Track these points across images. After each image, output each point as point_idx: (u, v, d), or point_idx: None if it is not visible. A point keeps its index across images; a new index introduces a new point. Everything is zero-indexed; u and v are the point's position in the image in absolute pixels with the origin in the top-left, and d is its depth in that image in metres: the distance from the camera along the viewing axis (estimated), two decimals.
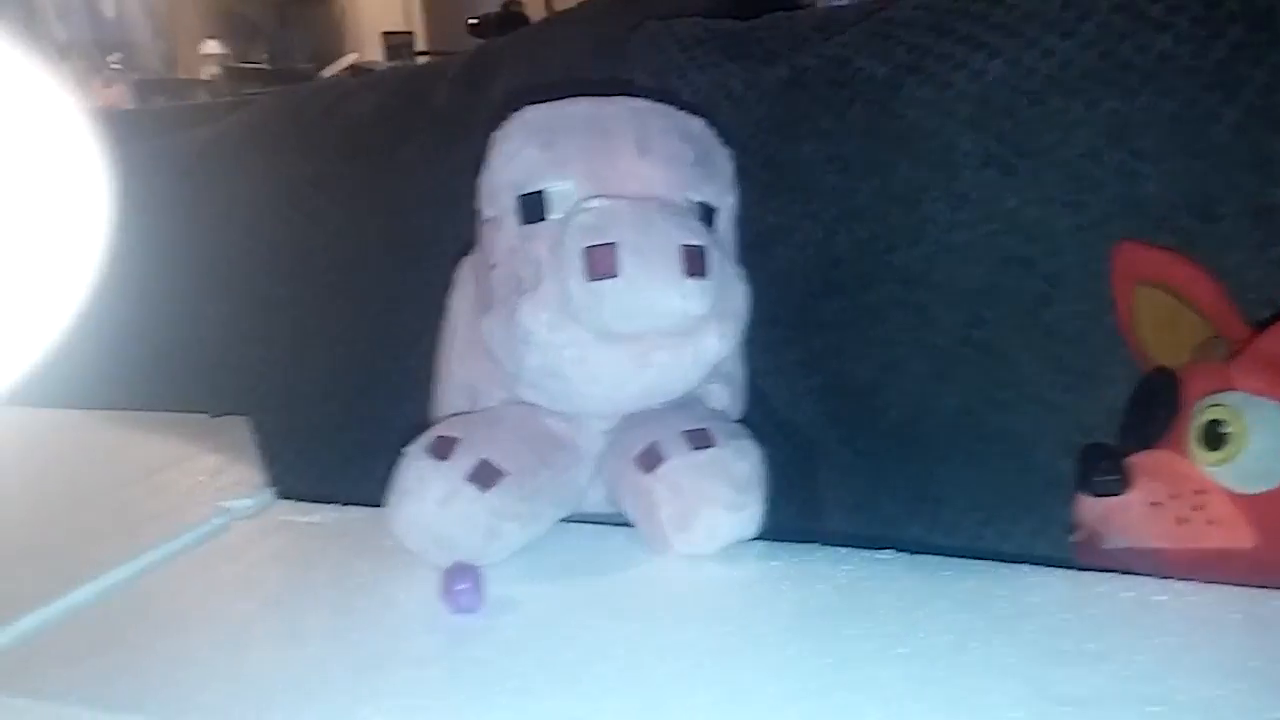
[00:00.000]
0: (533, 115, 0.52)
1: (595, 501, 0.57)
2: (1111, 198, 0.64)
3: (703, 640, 0.46)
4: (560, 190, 0.50)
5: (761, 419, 0.87)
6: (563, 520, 0.58)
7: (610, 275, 0.46)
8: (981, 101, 0.68)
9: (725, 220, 0.54)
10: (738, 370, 0.60)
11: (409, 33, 4.15)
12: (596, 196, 0.49)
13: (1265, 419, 0.48)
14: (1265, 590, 0.47)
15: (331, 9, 4.81)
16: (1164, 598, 0.47)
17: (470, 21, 3.26)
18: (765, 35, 0.84)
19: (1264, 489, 0.49)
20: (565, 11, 1.39)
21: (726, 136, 0.80)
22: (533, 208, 0.50)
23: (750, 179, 0.79)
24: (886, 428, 0.75)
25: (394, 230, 0.95)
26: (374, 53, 4.22)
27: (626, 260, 0.46)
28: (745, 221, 0.79)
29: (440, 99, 1.05)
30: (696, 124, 0.54)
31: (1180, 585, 0.48)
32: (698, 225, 0.49)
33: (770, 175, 0.77)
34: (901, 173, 0.70)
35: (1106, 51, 0.65)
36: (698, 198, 0.52)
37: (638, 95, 0.55)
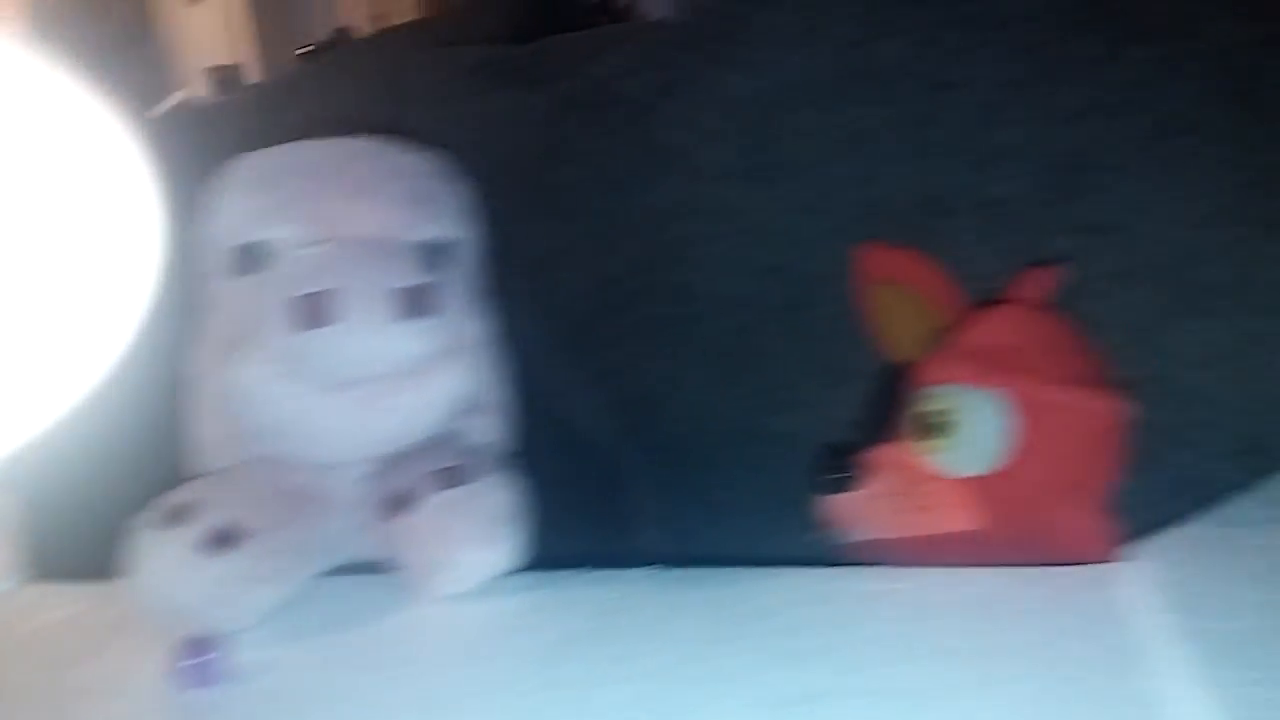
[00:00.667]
0: (248, 162, 0.51)
1: (356, 550, 0.56)
2: (853, 201, 0.66)
3: (443, 686, 0.46)
4: (277, 238, 0.49)
5: (564, 443, 0.87)
6: (323, 574, 0.56)
7: (325, 323, 0.45)
8: (730, 117, 0.70)
9: (463, 253, 0.54)
10: (500, 399, 0.60)
11: (235, 66, 4.01)
12: (314, 242, 0.48)
13: (973, 406, 0.51)
14: (986, 569, 0.49)
15: (154, 49, 4.62)
16: (898, 586, 0.49)
17: (301, 51, 3.18)
18: (536, 61, 0.85)
19: (981, 472, 0.51)
20: (359, 41, 1.37)
21: (501, 164, 0.81)
22: (249, 258, 0.49)
23: (526, 205, 0.79)
24: (674, 440, 0.75)
25: (174, 291, 0.92)
26: (202, 88, 4.07)
27: (341, 307, 0.45)
28: (524, 247, 0.79)
29: (233, 139, 1.02)
30: (420, 161, 0.54)
31: (915, 573, 0.50)
32: (418, 265, 0.49)
33: (544, 199, 0.77)
34: (663, 190, 0.72)
35: (840, 61, 0.68)
36: (424, 236, 0.51)
37: (388, 130, 0.54)
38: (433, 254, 0.51)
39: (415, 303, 0.46)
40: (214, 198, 0.51)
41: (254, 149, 0.56)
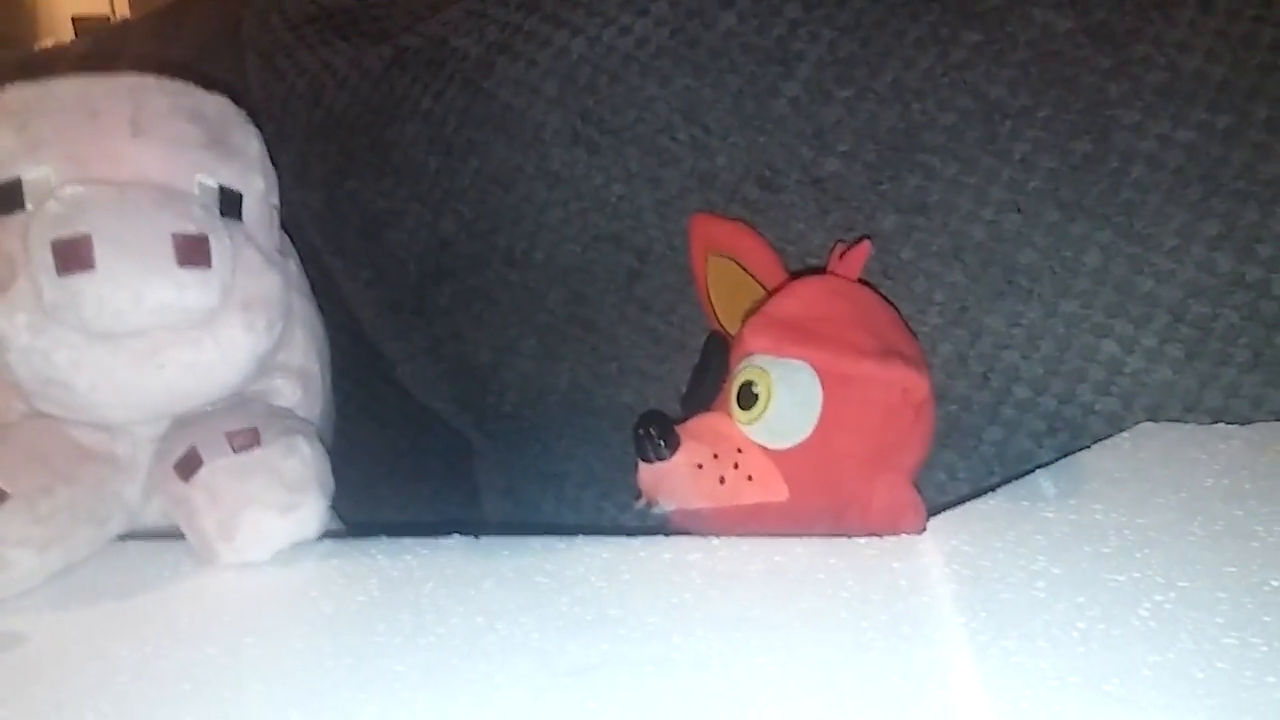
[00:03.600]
0: (9, 96, 0.47)
1: (155, 515, 0.53)
2: (687, 172, 0.66)
3: (219, 657, 0.43)
4: (35, 177, 0.45)
5: (411, 409, 0.84)
6: (118, 539, 0.53)
7: (86, 269, 0.42)
8: (566, 80, 0.68)
9: (255, 204, 0.51)
10: (310, 363, 0.57)
11: (105, 17, 3.81)
12: (78, 183, 0.44)
13: (785, 377, 0.51)
14: (787, 539, 0.49)
15: None
16: (697, 555, 0.49)
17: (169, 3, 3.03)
18: (376, 13, 0.82)
19: (791, 444, 0.51)
20: None
21: (336, 119, 0.77)
22: (6, 198, 0.45)
23: (360, 163, 0.76)
24: (509, 409, 0.74)
25: None
26: (69, 37, 3.84)
27: (103, 252, 0.42)
28: (358, 206, 0.76)
29: None
30: (212, 102, 0.51)
31: (715, 542, 0.50)
32: (199, 212, 0.46)
33: (378, 158, 0.75)
34: (497, 153, 0.70)
35: (676, 29, 0.67)
36: (212, 181, 0.48)
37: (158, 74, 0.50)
38: (220, 202, 0.48)
39: (191, 251, 0.43)
40: None
41: None
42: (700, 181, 0.66)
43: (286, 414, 0.54)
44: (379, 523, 0.55)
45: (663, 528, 0.55)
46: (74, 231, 0.42)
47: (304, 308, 0.57)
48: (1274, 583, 0.42)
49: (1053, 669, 0.38)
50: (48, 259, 0.42)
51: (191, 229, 0.44)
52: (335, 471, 0.55)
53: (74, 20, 3.90)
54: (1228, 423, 0.59)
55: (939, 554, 0.47)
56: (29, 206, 0.44)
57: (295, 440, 0.51)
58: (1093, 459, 0.55)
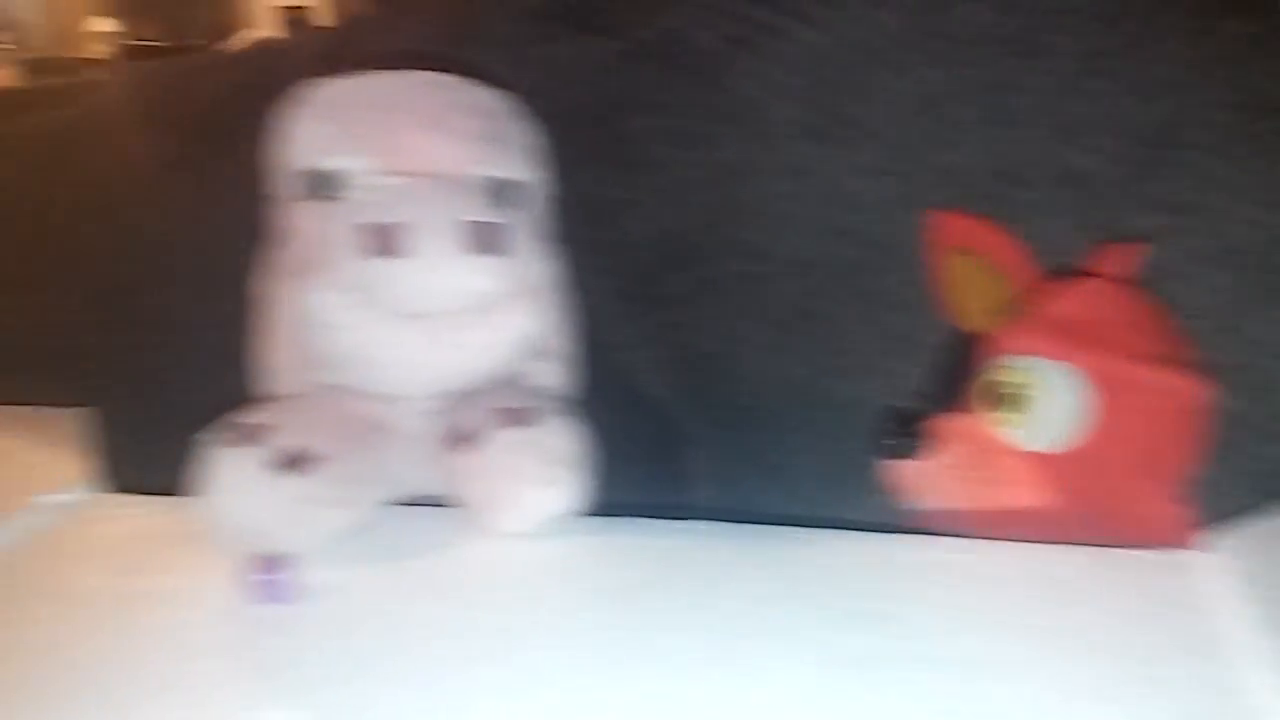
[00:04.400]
0: (324, 93, 0.51)
1: (419, 483, 0.57)
2: (927, 167, 0.65)
3: (507, 620, 0.47)
4: (348, 168, 0.49)
5: (624, 394, 0.87)
6: (387, 504, 0.58)
7: (394, 254, 0.46)
8: (805, 74, 0.69)
9: (530, 195, 0.54)
10: (565, 347, 0.60)
11: (307, 6, 4.04)
12: (384, 173, 0.48)
13: (1051, 380, 0.50)
14: (1058, 547, 0.49)
15: None
16: (965, 557, 0.49)
17: None
18: (604, 8, 0.84)
19: (1057, 448, 0.51)
20: None
21: (570, 110, 0.80)
22: (321, 185, 0.49)
23: (592, 153, 0.79)
24: (735, 399, 0.75)
25: (242, 213, 0.93)
26: (273, 28, 4.10)
27: (411, 238, 0.46)
28: (591, 196, 0.79)
29: (298, 76, 1.02)
30: (492, 98, 0.54)
31: (983, 545, 0.50)
32: (491, 201, 0.49)
33: (611, 150, 0.77)
34: (732, 146, 0.71)
35: (924, 24, 0.66)
36: (492, 173, 0.51)
37: (453, 68, 0.54)
38: (501, 192, 0.51)
39: (484, 239, 0.46)
40: (286, 124, 0.51)
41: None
42: (941, 176, 0.65)
43: (550, 394, 0.57)
44: (624, 504, 0.57)
45: (894, 524, 0.55)
46: (386, 219, 0.46)
47: (561, 294, 0.60)
48: None
49: None
50: (362, 243, 0.46)
51: (486, 217, 0.47)
52: None
53: (281, 10, 4.14)
54: None
55: (1222, 570, 0.45)
56: (342, 194, 0.49)
57: (562, 420, 0.54)
58: None
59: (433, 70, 0.53)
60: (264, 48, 1.31)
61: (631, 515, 0.55)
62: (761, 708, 0.39)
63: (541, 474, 0.50)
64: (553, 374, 0.57)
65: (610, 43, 0.78)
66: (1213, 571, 0.44)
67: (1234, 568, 0.44)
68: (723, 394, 0.76)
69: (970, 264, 0.60)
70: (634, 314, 0.79)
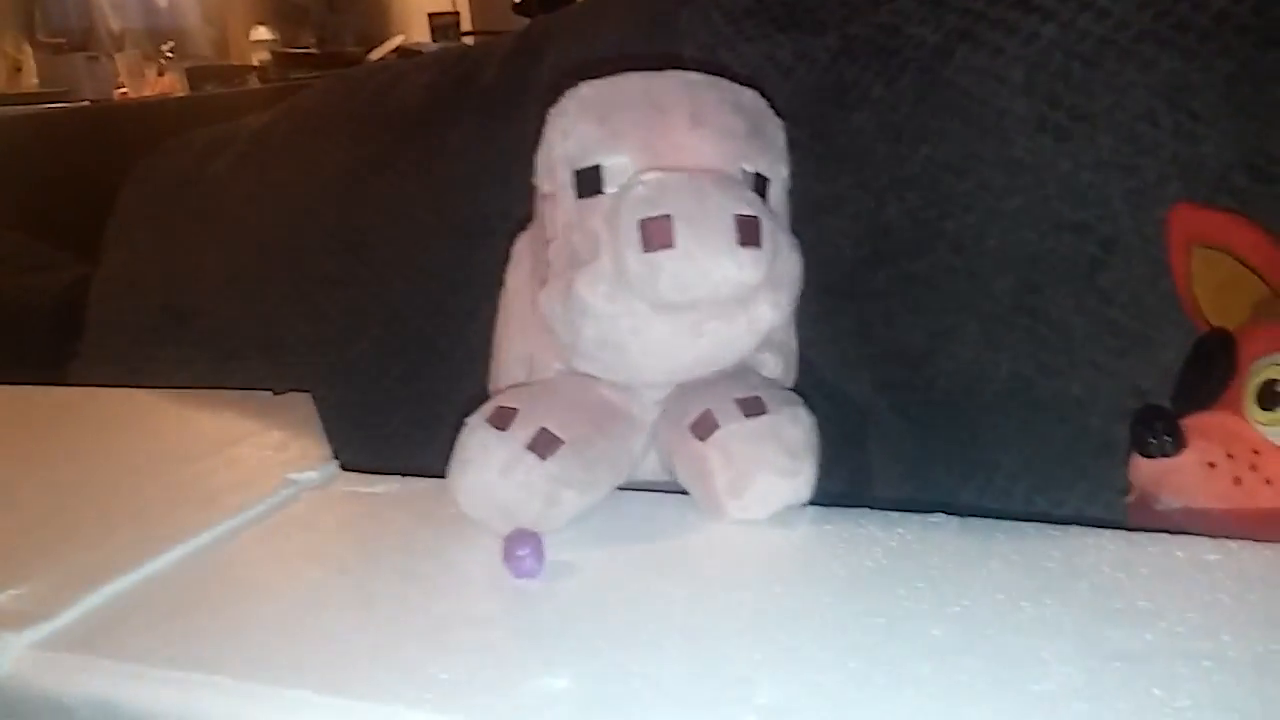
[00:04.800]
0: (588, 91, 0.53)
1: (650, 470, 0.59)
2: (1167, 160, 0.63)
3: (756, 601, 0.47)
4: (616, 164, 0.51)
5: (811, 388, 0.87)
6: (619, 488, 0.59)
7: (666, 246, 0.47)
8: (1034, 65, 0.68)
9: (778, 191, 0.55)
10: (790, 339, 0.61)
11: (455, 13, 4.18)
12: (651, 170, 0.50)
13: None
14: None
15: None
16: (1216, 557, 0.48)
17: (515, 1, 3.27)
18: (815, 5, 0.84)
19: None
20: None
21: (777, 108, 0.81)
22: (589, 182, 0.51)
23: (802, 150, 0.79)
24: (938, 395, 0.75)
25: (447, 209, 0.97)
26: (420, 34, 4.25)
27: (681, 231, 0.47)
28: (797, 192, 0.79)
29: (489, 79, 1.06)
30: (749, 96, 0.55)
31: (1233, 545, 0.48)
32: (751, 195, 0.50)
33: (821, 146, 0.77)
34: (953, 139, 0.70)
35: (1161, 11, 0.65)
36: (751, 168, 0.52)
37: (689, 68, 0.55)
38: (761, 188, 0.52)
39: (749, 232, 0.47)
40: (552, 124, 0.53)
41: (562, 83, 0.59)
42: (1181, 169, 0.63)
43: (778, 385, 0.58)
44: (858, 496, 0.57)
45: (1117, 526, 0.53)
46: (658, 212, 0.47)
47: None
48: None
49: None
50: (634, 236, 0.47)
51: (748, 211, 0.48)
52: None
53: (429, 16, 4.30)
54: None
55: None
56: (609, 190, 0.50)
57: (798, 410, 0.54)
58: None
59: (673, 69, 0.54)
60: (454, 52, 1.36)
61: (835, 505, 0.55)
62: (1035, 700, 0.39)
63: (780, 463, 0.51)
64: (778, 365, 0.58)
65: (823, 39, 0.79)
66: None
67: None
68: (927, 389, 0.75)
69: (1218, 260, 0.57)
70: (835, 309, 0.80)
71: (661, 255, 0.47)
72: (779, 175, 0.55)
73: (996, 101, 0.68)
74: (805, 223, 0.79)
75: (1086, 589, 0.46)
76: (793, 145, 0.79)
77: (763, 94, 0.76)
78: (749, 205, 0.48)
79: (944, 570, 0.49)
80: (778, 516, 0.55)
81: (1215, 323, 0.58)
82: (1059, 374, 0.69)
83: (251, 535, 0.60)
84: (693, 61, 0.85)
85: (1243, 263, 0.57)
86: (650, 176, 0.49)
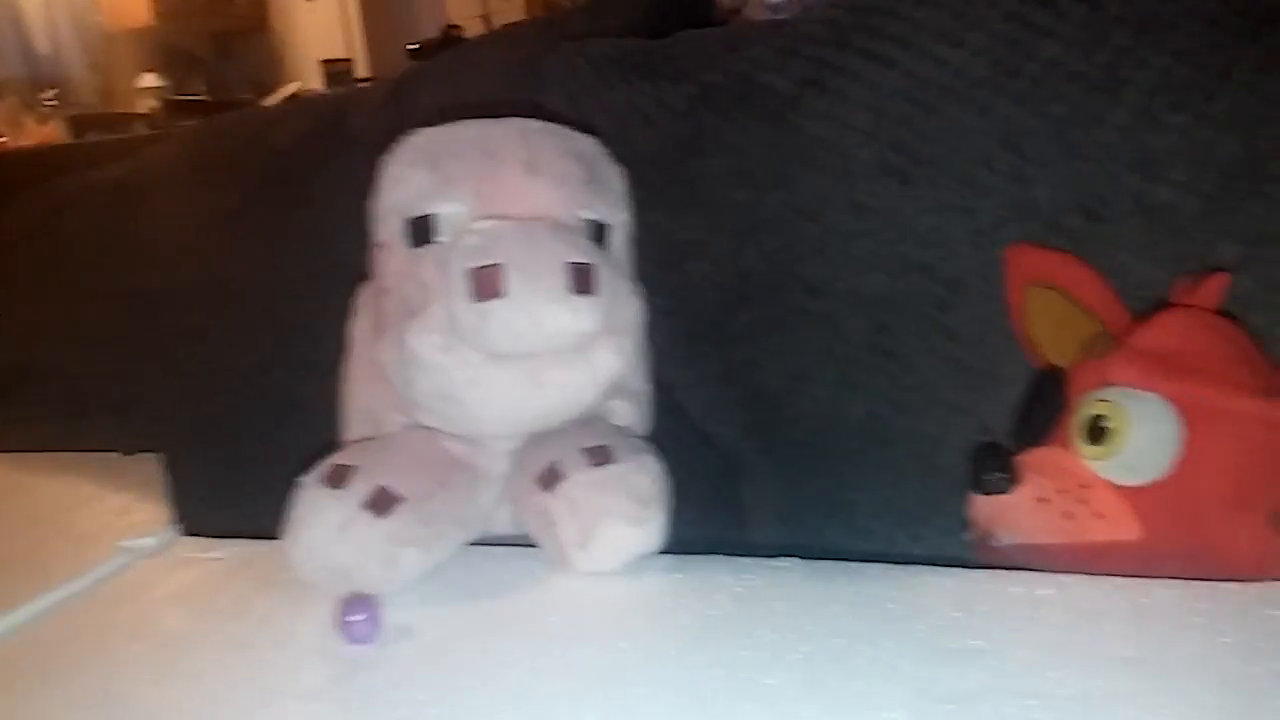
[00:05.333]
0: (421, 139, 0.53)
1: (503, 523, 0.57)
2: (1004, 202, 0.65)
3: (598, 658, 0.46)
4: (448, 213, 0.50)
5: (685, 433, 0.87)
6: (470, 544, 0.58)
7: (496, 296, 0.46)
8: (878, 112, 0.69)
9: (619, 237, 0.55)
10: (641, 386, 0.61)
11: (348, 60, 4.13)
12: (484, 218, 0.49)
13: (1144, 412, 0.49)
14: (1149, 580, 0.48)
15: (270, 39, 4.78)
16: (1050, 591, 0.48)
17: (410, 47, 3.25)
18: (674, 54, 0.85)
19: (1147, 481, 0.50)
20: (487, 35, 1.39)
21: (639, 155, 0.81)
22: (421, 231, 0.50)
23: (662, 196, 0.80)
24: (800, 437, 0.75)
25: (314, 259, 0.95)
26: (315, 81, 4.19)
27: (513, 280, 0.46)
28: (658, 238, 0.80)
29: (360, 125, 1.05)
30: (586, 143, 0.55)
31: (1067, 579, 0.49)
32: (586, 243, 0.49)
33: (681, 192, 0.78)
34: (804, 185, 0.71)
35: (996, 60, 0.67)
36: (589, 215, 0.52)
37: (531, 116, 0.55)
38: (598, 235, 0.51)
39: (582, 280, 0.46)
40: (387, 172, 0.52)
41: (410, 130, 0.58)
42: (1019, 211, 0.65)
43: (629, 433, 0.57)
44: (683, 543, 0.57)
45: (977, 562, 0.54)
46: (489, 261, 0.46)
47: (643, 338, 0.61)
48: None
49: None
50: (465, 285, 0.46)
51: (582, 258, 0.48)
52: None
53: (323, 64, 4.24)
54: None
55: None
56: (441, 238, 0.49)
57: (645, 458, 0.54)
58: None
59: (526, 117, 0.53)
60: (328, 99, 1.33)
61: (691, 553, 0.55)
62: None
63: (627, 512, 0.50)
64: (630, 412, 0.57)
65: (680, 88, 0.79)
66: None
67: None
68: (789, 431, 0.76)
69: (1052, 298, 0.59)
70: (701, 354, 0.80)
71: (492, 305, 0.46)
72: (619, 221, 0.55)
73: (843, 147, 0.69)
74: (669, 268, 0.79)
75: (923, 629, 0.46)
76: (654, 192, 0.79)
77: (625, 141, 0.77)
78: (583, 253, 0.48)
79: (786, 616, 0.49)
80: (628, 567, 0.54)
81: (1050, 359, 0.59)
82: (912, 412, 0.70)
83: (78, 607, 0.57)
84: (543, 109, 0.85)
85: (1074, 301, 0.58)
86: (482, 225, 0.48)
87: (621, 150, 0.81)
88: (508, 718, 0.42)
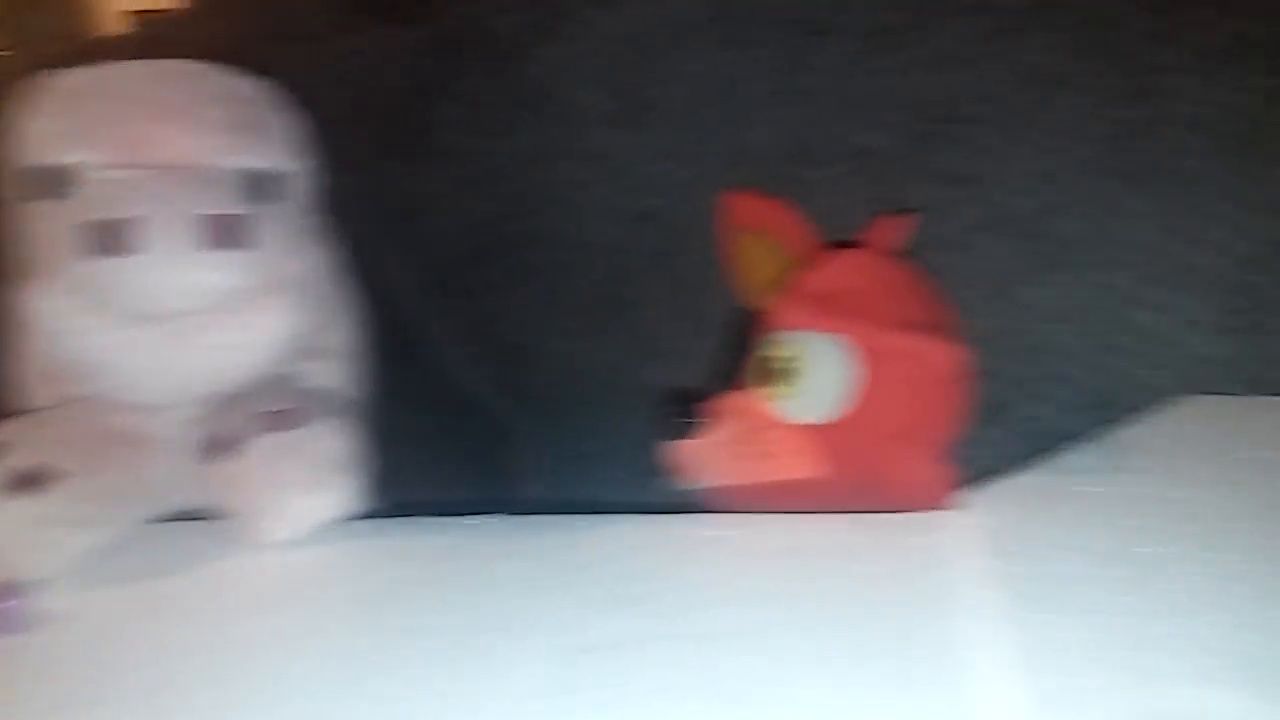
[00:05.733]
0: (56, 84, 0.48)
1: (183, 498, 0.54)
2: (722, 148, 0.65)
3: (262, 633, 0.44)
4: (80, 163, 0.46)
5: (444, 392, 0.85)
6: (149, 521, 0.54)
7: (121, 251, 0.43)
8: (603, 58, 0.68)
9: (296, 187, 0.51)
10: (343, 345, 0.58)
11: (159, 11, 3.87)
12: (118, 167, 0.45)
13: (819, 353, 0.50)
14: (821, 516, 0.49)
15: None
16: (733, 533, 0.49)
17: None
18: None
19: (825, 419, 0.51)
20: None
21: (372, 103, 0.78)
22: (50, 183, 0.46)
23: (396, 146, 0.76)
24: (547, 390, 0.74)
25: None
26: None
27: (141, 235, 0.43)
28: (394, 187, 0.77)
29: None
30: (248, 86, 0.51)
31: (752, 520, 0.50)
32: (231, 194, 0.46)
33: (416, 141, 0.75)
34: (535, 133, 0.70)
35: (711, 3, 0.66)
36: (243, 164, 0.49)
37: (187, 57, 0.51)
38: (254, 184, 0.48)
39: (225, 233, 0.43)
40: (15, 119, 0.48)
41: None
42: (736, 157, 0.65)
43: (324, 395, 0.55)
44: (420, 502, 0.56)
45: (697, 506, 0.54)
46: (113, 214, 0.43)
47: (345, 290, 0.58)
48: None
49: (1091, 641, 0.37)
50: (87, 242, 0.43)
51: (223, 211, 0.45)
52: (376, 454, 0.55)
53: (130, 15, 3.97)
54: (1271, 394, 0.57)
55: (970, 529, 0.46)
56: (72, 191, 0.45)
57: (331, 421, 0.52)
58: (1133, 432, 0.54)
59: (181, 58, 0.49)
60: (99, 42, 1.24)
61: (464, 514, 0.53)
62: (504, 702, 0.38)
63: (307, 478, 0.48)
64: (331, 374, 0.54)
65: (411, 31, 0.76)
66: (965, 530, 0.44)
67: (986, 526, 0.44)
68: (535, 385, 0.75)
69: (759, 244, 0.59)
70: (447, 309, 0.78)
71: (118, 262, 0.43)
72: (290, 170, 0.51)
73: (571, 94, 0.68)
74: (407, 221, 0.76)
75: (596, 579, 0.46)
76: (388, 141, 0.76)
77: (356, 88, 0.73)
78: (225, 204, 0.45)
79: (470, 573, 0.48)
80: (320, 535, 0.52)
81: (757, 304, 0.59)
82: (647, 361, 0.69)
83: None
84: (288, 58, 0.80)
85: (780, 246, 0.59)
86: (107, 175, 0.44)
87: (357, 97, 0.77)
88: (160, 697, 0.40)
